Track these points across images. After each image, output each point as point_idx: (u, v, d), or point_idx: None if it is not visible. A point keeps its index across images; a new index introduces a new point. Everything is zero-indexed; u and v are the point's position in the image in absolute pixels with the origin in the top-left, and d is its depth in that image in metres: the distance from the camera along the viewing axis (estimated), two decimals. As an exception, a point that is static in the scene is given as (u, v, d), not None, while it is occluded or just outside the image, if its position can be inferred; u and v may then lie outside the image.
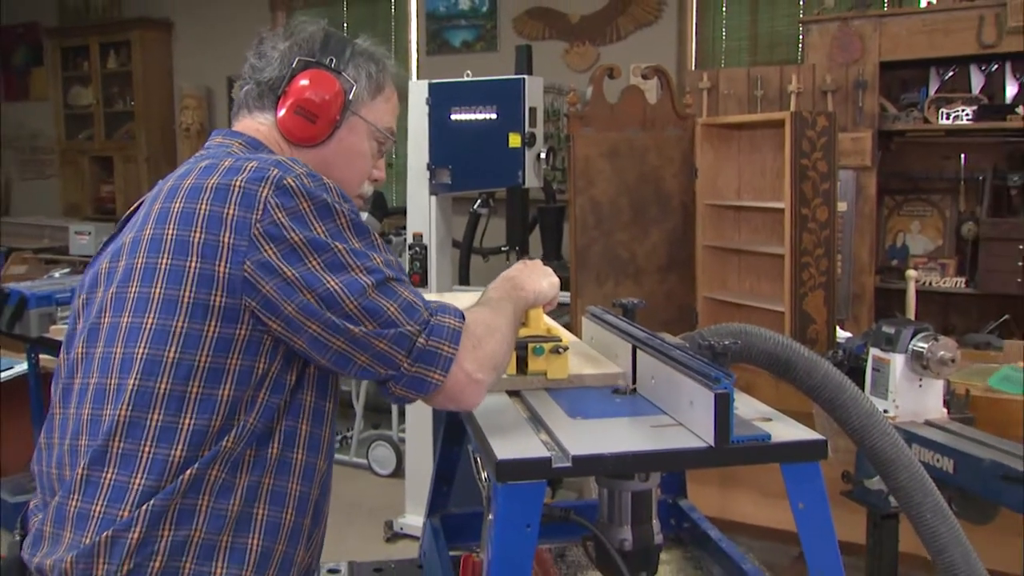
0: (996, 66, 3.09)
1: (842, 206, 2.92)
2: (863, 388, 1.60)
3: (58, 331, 2.33)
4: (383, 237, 3.40)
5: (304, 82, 1.02)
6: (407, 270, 2.77)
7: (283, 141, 1.04)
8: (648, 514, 1.02)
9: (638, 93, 2.50)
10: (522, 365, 1.09)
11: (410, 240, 2.76)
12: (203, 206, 0.91)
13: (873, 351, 1.63)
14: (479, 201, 3.37)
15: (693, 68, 3.87)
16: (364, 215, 3.45)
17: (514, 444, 0.88)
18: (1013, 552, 1.76)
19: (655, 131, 2.50)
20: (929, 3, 3.10)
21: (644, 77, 2.66)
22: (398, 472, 3.31)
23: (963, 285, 3.14)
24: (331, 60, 1.03)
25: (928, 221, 3.31)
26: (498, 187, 3.11)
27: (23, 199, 6.29)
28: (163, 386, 0.89)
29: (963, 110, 2.99)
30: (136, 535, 0.87)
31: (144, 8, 5.58)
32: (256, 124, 1.04)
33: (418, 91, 2.66)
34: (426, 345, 0.90)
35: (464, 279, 3.62)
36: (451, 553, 1.22)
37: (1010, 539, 1.71)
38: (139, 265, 0.93)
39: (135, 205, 1.03)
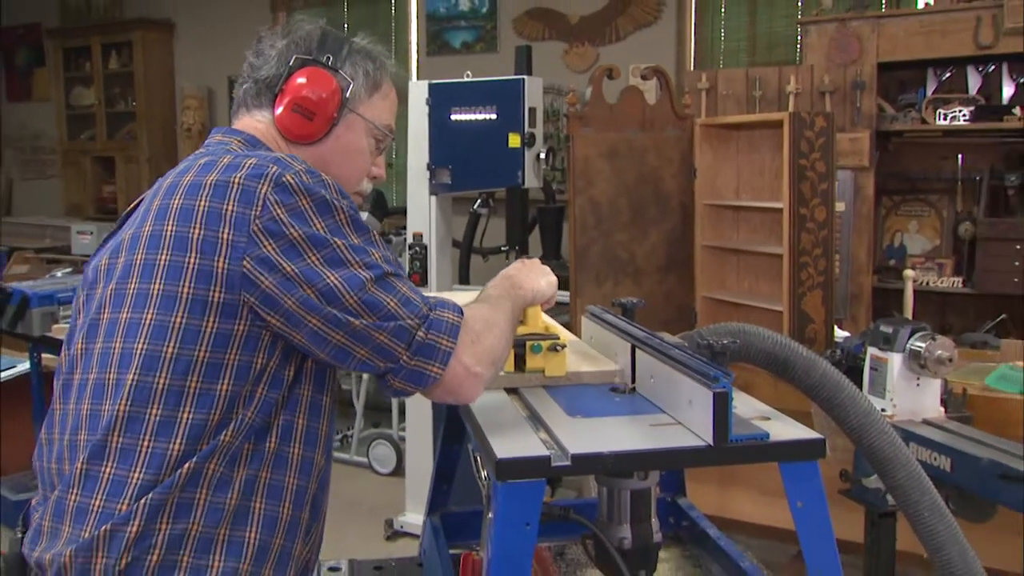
0: (993, 67, 3.10)
1: (840, 206, 2.93)
2: (861, 387, 1.60)
3: (60, 330, 2.34)
4: (383, 237, 3.40)
5: (301, 80, 1.02)
6: (407, 270, 2.78)
7: (281, 139, 1.04)
8: (647, 512, 1.02)
9: (637, 94, 2.51)
10: (520, 362, 1.10)
11: (410, 240, 2.77)
12: (202, 202, 0.91)
13: (871, 350, 1.64)
14: (479, 201, 3.38)
15: (692, 69, 3.87)
16: (364, 214, 3.46)
17: (514, 443, 0.89)
18: (1010, 550, 1.77)
19: (654, 131, 2.50)
20: (926, 4, 3.10)
21: (643, 78, 2.67)
22: (398, 471, 3.31)
23: (960, 285, 3.14)
24: (328, 58, 1.04)
25: (925, 221, 3.32)
26: (498, 187, 3.12)
27: (25, 199, 6.30)
28: (162, 381, 0.89)
29: (960, 111, 3.00)
30: (134, 528, 0.87)
31: (145, 8, 5.59)
32: (254, 122, 1.05)
33: (418, 91, 2.67)
34: (425, 338, 0.91)
35: (464, 279, 3.63)
36: (451, 551, 1.22)
37: (1007, 537, 1.72)
38: (138, 261, 0.93)
39: (135, 202, 1.03)
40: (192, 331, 0.89)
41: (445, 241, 2.82)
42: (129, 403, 0.89)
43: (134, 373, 0.90)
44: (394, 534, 2.85)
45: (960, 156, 3.22)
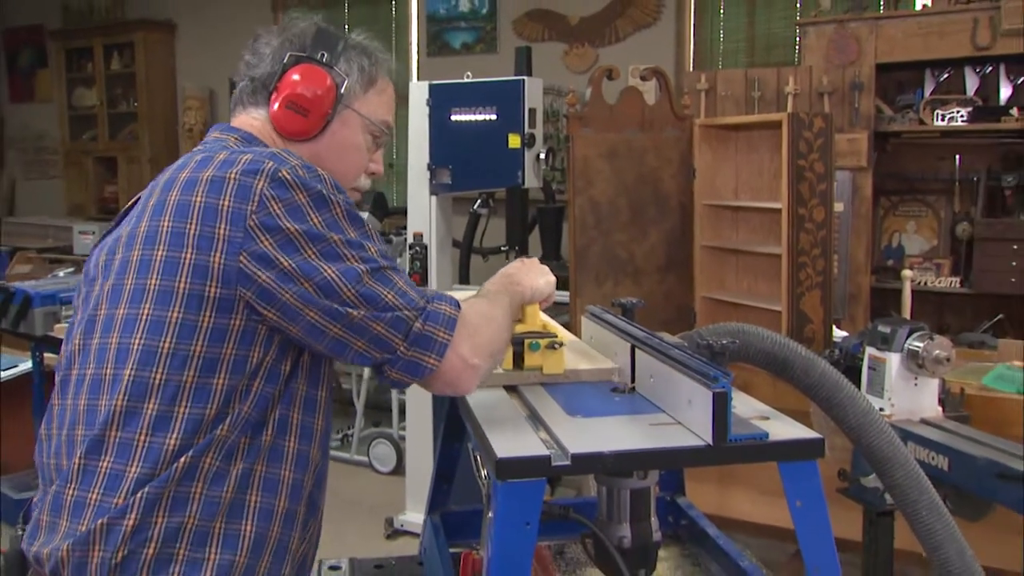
0: (990, 68, 3.11)
1: (838, 206, 2.93)
2: (859, 387, 1.61)
3: (62, 330, 2.34)
4: (384, 237, 3.41)
5: (295, 77, 1.02)
6: (408, 270, 2.79)
7: (277, 136, 1.04)
8: (647, 512, 1.02)
9: (637, 94, 2.51)
10: (518, 360, 1.10)
11: (410, 240, 2.78)
12: (198, 198, 0.91)
13: (869, 350, 1.65)
14: (479, 201, 3.38)
15: (691, 69, 3.88)
16: (365, 214, 3.46)
17: (514, 442, 0.89)
18: (1008, 549, 1.78)
19: (653, 132, 2.51)
20: (924, 6, 3.11)
21: (643, 78, 2.68)
22: (398, 470, 3.32)
23: (958, 285, 3.15)
24: (322, 55, 1.03)
25: (923, 221, 3.33)
26: (498, 187, 3.13)
27: (28, 199, 6.31)
28: (158, 376, 0.90)
29: (958, 111, 3.01)
30: (131, 522, 0.87)
31: (147, 10, 5.60)
32: (250, 120, 1.05)
33: (419, 92, 2.67)
34: (422, 330, 0.92)
35: (464, 279, 3.64)
36: (451, 550, 1.22)
37: (1005, 536, 1.72)
38: (135, 257, 0.93)
39: (133, 200, 1.03)
40: (188, 326, 0.90)
41: (445, 241, 2.83)
42: (126, 398, 0.90)
43: (131, 368, 0.90)
44: (394, 533, 2.86)
45: (958, 157, 3.23)
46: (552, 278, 1.16)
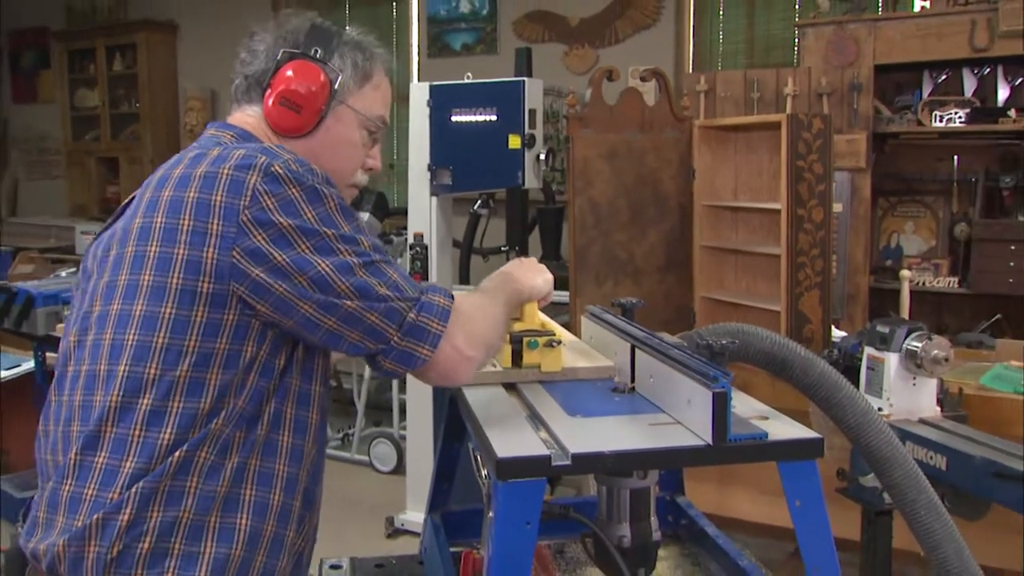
0: (988, 69, 3.11)
1: (837, 207, 2.94)
2: (858, 387, 1.62)
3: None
4: (384, 237, 3.41)
5: (289, 73, 1.02)
6: (408, 270, 2.79)
7: (271, 132, 1.04)
8: (646, 511, 1.02)
9: (636, 95, 2.52)
10: (517, 358, 1.11)
11: (411, 240, 2.78)
12: (191, 193, 0.92)
13: (868, 350, 1.65)
14: (479, 202, 3.39)
15: (690, 71, 3.88)
16: (366, 215, 3.47)
17: (514, 442, 0.89)
18: (1006, 548, 1.78)
19: (653, 133, 2.52)
20: (922, 7, 3.11)
21: (642, 79, 2.68)
22: (399, 469, 3.33)
23: (956, 285, 3.16)
24: (316, 51, 1.03)
25: (921, 222, 3.34)
26: (498, 188, 3.13)
27: (30, 199, 6.32)
28: (152, 371, 0.90)
29: (956, 113, 3.02)
30: (126, 517, 0.88)
31: (149, 11, 5.60)
32: (245, 117, 1.05)
33: (419, 93, 2.68)
34: (416, 320, 0.92)
35: (464, 279, 3.64)
36: (452, 549, 1.22)
37: (1003, 535, 1.73)
38: (129, 253, 0.94)
39: (130, 197, 1.04)
40: (182, 321, 0.90)
41: (446, 241, 2.83)
42: (121, 394, 0.90)
43: (125, 364, 0.91)
44: (395, 532, 2.86)
45: (956, 158, 3.24)
46: (550, 277, 1.16)
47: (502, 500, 0.85)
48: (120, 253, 0.95)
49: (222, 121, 1.07)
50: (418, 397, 2.82)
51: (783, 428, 0.93)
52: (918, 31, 2.97)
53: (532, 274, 1.14)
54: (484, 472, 1.03)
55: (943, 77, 3.18)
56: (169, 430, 0.89)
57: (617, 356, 1.16)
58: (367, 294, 0.91)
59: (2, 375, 2.65)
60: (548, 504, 1.00)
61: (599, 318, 1.26)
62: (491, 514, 0.89)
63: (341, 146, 1.06)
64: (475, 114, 2.57)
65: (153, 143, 5.52)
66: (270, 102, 1.02)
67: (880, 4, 3.28)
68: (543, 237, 3.75)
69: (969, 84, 3.13)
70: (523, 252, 3.51)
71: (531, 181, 2.58)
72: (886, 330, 1.61)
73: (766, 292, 2.49)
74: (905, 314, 2.07)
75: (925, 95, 3.16)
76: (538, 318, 1.16)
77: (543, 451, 0.87)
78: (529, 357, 1.11)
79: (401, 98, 3.03)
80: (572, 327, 2.13)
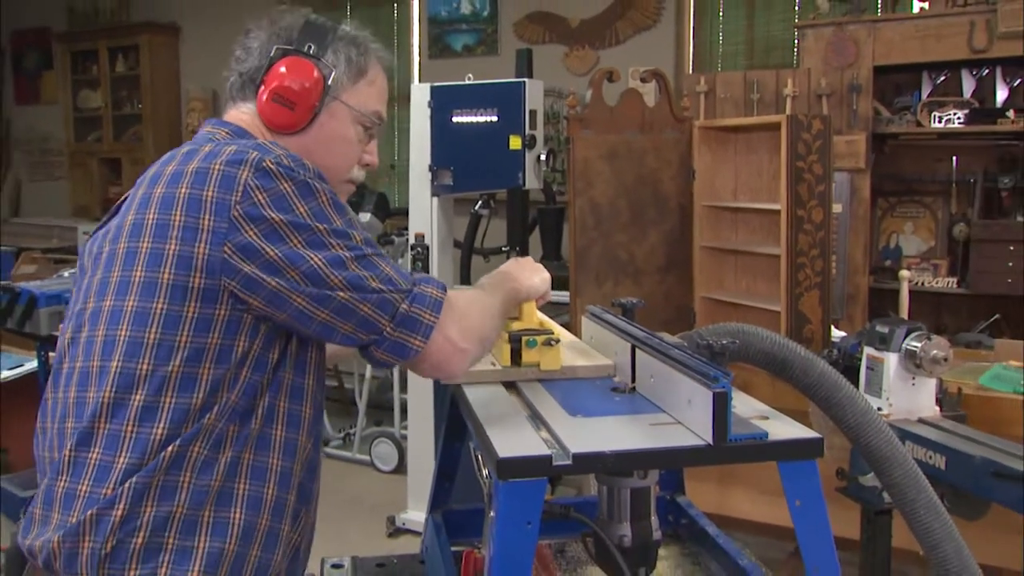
0: (987, 71, 3.11)
1: (837, 207, 2.94)
2: (858, 386, 1.62)
3: (65, 330, 2.34)
4: (385, 237, 3.42)
5: (282, 70, 1.02)
6: (409, 270, 2.80)
7: (265, 129, 1.04)
8: (647, 510, 1.03)
9: (637, 96, 2.53)
10: (516, 357, 1.11)
11: (412, 240, 2.79)
12: (183, 189, 0.92)
13: (867, 350, 1.66)
14: (480, 202, 3.39)
15: (690, 72, 3.88)
16: (367, 215, 3.48)
17: (515, 442, 0.89)
18: (1005, 548, 1.79)
19: (653, 133, 2.52)
20: (922, 9, 3.12)
21: (642, 80, 2.69)
22: (400, 468, 3.33)
23: (955, 285, 3.16)
24: (309, 47, 1.03)
25: (921, 222, 3.34)
26: (499, 188, 3.14)
27: (33, 200, 6.33)
28: (144, 367, 0.90)
29: (955, 114, 3.02)
30: (119, 512, 0.88)
31: (152, 12, 5.61)
32: (240, 114, 1.05)
33: (420, 94, 2.68)
34: (409, 311, 0.93)
35: (465, 279, 3.64)
36: (453, 548, 1.22)
37: (1002, 535, 1.74)
38: (121, 250, 0.94)
39: (125, 195, 1.04)
40: (173, 317, 0.90)
41: (447, 242, 2.84)
42: (113, 390, 0.90)
43: (117, 360, 0.91)
44: (396, 531, 2.87)
45: (955, 158, 3.24)
46: (547, 276, 1.16)
47: (503, 500, 0.85)
48: (113, 250, 0.95)
49: (218, 119, 1.07)
50: (419, 397, 2.83)
51: (783, 428, 0.93)
52: (917, 32, 2.98)
53: (530, 273, 1.15)
54: (485, 472, 1.03)
55: (942, 78, 3.18)
56: (162, 425, 0.90)
57: (618, 356, 1.16)
58: (359, 286, 0.91)
59: (5, 375, 2.66)
60: (549, 503, 1.00)
61: (600, 318, 1.27)
62: (492, 514, 0.89)
63: (335, 142, 1.05)
64: (476, 115, 2.58)
65: (155, 144, 5.53)
66: (263, 99, 1.02)
67: (879, 5, 3.28)
68: (543, 237, 3.75)
69: (968, 85, 3.13)
70: (524, 252, 3.51)
71: (532, 182, 2.59)
72: (885, 330, 1.61)
73: (766, 292, 2.49)
74: (904, 314, 2.08)
75: (924, 96, 3.17)
76: (536, 317, 1.16)
77: (544, 451, 0.87)
78: (528, 356, 1.11)
79: (402, 99, 3.03)
80: (573, 327, 2.13)
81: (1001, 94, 3.11)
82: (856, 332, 1.83)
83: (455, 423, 1.29)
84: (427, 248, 2.75)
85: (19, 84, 6.37)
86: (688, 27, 3.92)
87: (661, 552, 1.16)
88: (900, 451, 1.04)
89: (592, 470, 0.94)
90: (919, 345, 1.58)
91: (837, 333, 2.37)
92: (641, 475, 1.01)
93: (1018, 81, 3.10)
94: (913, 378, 1.62)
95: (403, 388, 3.41)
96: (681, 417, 0.95)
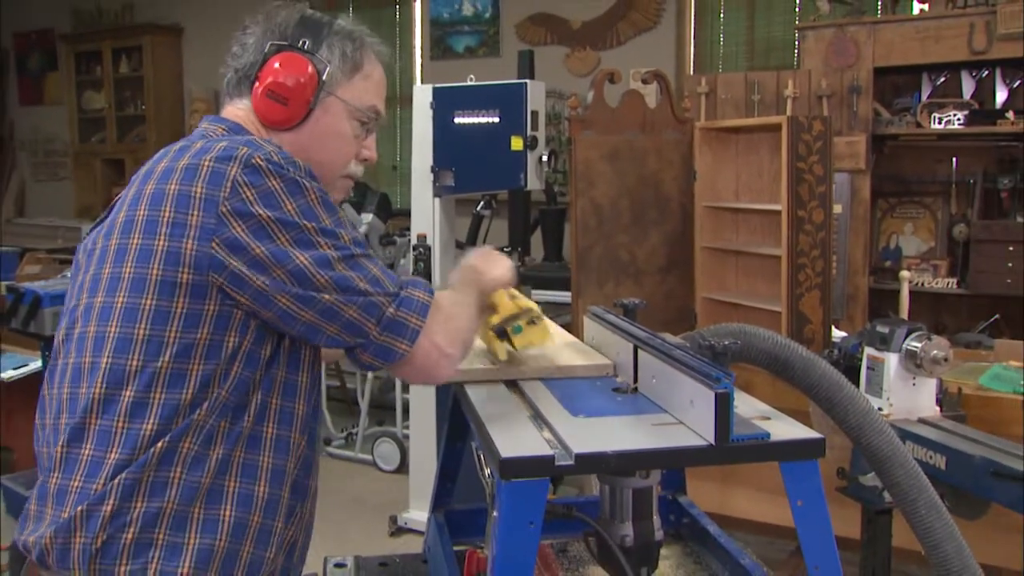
0: (987, 72, 3.12)
1: (837, 208, 2.95)
2: (858, 387, 1.63)
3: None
4: (388, 238, 3.42)
5: (276, 65, 1.01)
6: (411, 270, 2.81)
7: (261, 125, 1.03)
8: (649, 510, 1.03)
9: (638, 97, 2.53)
10: (510, 344, 1.11)
11: (414, 241, 2.79)
12: (173, 185, 0.92)
13: (868, 350, 1.66)
14: (482, 203, 3.40)
15: (691, 73, 3.90)
16: (369, 215, 3.47)
17: (517, 442, 0.89)
18: (1006, 547, 1.79)
19: (654, 134, 2.53)
20: (921, 10, 3.13)
21: (644, 82, 2.69)
22: (402, 468, 3.33)
23: (954, 286, 3.17)
24: (304, 42, 1.02)
25: (920, 223, 3.35)
26: (500, 189, 3.14)
27: (37, 201, 6.35)
28: (134, 362, 0.90)
29: (955, 115, 3.03)
30: (109, 507, 0.88)
31: (155, 14, 5.63)
32: (236, 110, 1.05)
33: (422, 95, 2.69)
34: (395, 315, 0.92)
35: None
36: (455, 548, 1.22)
37: (1002, 535, 1.74)
38: (113, 246, 0.94)
39: (120, 193, 1.04)
40: (162, 313, 0.90)
41: (449, 242, 2.84)
42: (104, 386, 0.91)
43: (108, 356, 0.91)
44: (398, 530, 2.87)
45: (954, 159, 3.25)
46: (510, 263, 1.14)
47: (506, 500, 0.85)
48: (105, 246, 0.96)
49: (215, 115, 1.07)
50: (421, 396, 2.83)
51: (785, 428, 0.93)
52: (917, 34, 2.99)
53: (494, 265, 1.12)
54: (487, 471, 1.03)
55: (942, 79, 3.19)
56: (152, 421, 0.90)
57: (620, 356, 1.16)
58: (345, 288, 0.91)
59: (10, 375, 2.66)
60: (551, 503, 1.00)
61: (602, 319, 1.27)
62: (495, 513, 0.89)
63: (331, 138, 1.04)
64: (478, 116, 2.59)
65: (159, 145, 5.46)
66: (258, 95, 1.02)
67: (879, 7, 3.29)
68: (545, 238, 3.76)
69: (967, 86, 3.14)
70: (526, 253, 3.52)
71: (533, 182, 2.59)
72: (886, 330, 1.62)
73: (767, 293, 2.50)
74: (904, 315, 2.08)
75: (924, 97, 3.18)
76: (510, 303, 1.14)
77: (547, 451, 0.87)
78: (519, 340, 1.11)
79: (404, 100, 3.03)
80: (574, 328, 2.14)
81: (1000, 95, 3.12)
82: (857, 332, 1.83)
83: (457, 423, 1.29)
84: (429, 249, 2.76)
85: (23, 85, 6.39)
86: (689, 28, 3.93)
87: (663, 552, 1.15)
88: (901, 451, 1.04)
89: (595, 470, 0.93)
90: (919, 345, 1.59)
91: (838, 333, 2.37)
92: (643, 475, 1.01)
93: (1017, 82, 3.10)
94: (913, 378, 1.62)
95: (405, 388, 3.41)
96: (683, 417, 0.95)
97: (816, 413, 1.33)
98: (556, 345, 1.23)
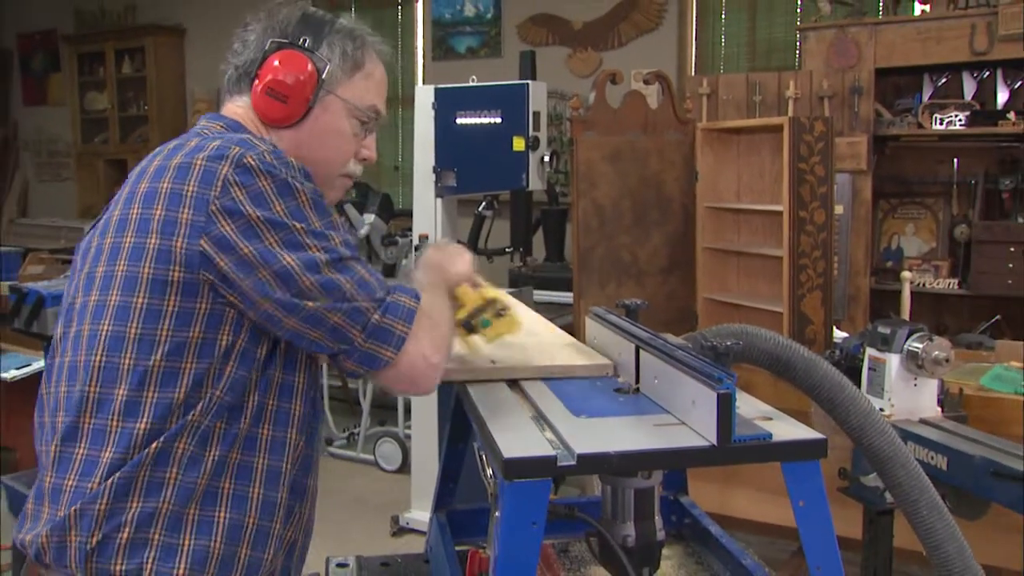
0: (988, 73, 3.12)
1: (838, 209, 2.95)
2: (860, 387, 1.63)
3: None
4: (390, 238, 3.42)
5: (275, 63, 1.00)
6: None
7: (260, 123, 1.03)
8: (650, 511, 1.02)
9: (640, 98, 2.54)
10: (477, 334, 1.10)
11: (416, 241, 2.80)
12: (165, 184, 0.92)
13: (869, 351, 1.66)
14: (484, 203, 3.40)
15: (693, 74, 3.89)
16: (371, 216, 3.47)
17: (520, 442, 0.88)
18: (1007, 548, 1.80)
19: (656, 135, 2.53)
20: (923, 11, 3.13)
21: (645, 82, 2.70)
22: (404, 468, 3.33)
23: (956, 286, 3.17)
24: (304, 40, 1.02)
25: (922, 224, 3.35)
26: (502, 190, 3.15)
27: (40, 201, 6.37)
28: (127, 361, 0.90)
29: (956, 116, 3.03)
30: (103, 507, 0.88)
31: (157, 15, 5.64)
32: (235, 108, 1.05)
33: (424, 96, 2.69)
34: (380, 322, 0.92)
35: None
36: (457, 548, 1.22)
37: (1003, 535, 1.74)
38: (107, 245, 0.95)
39: (118, 192, 1.04)
40: (154, 311, 0.90)
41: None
42: (98, 384, 0.91)
43: (100, 354, 0.91)
44: (400, 530, 2.87)
45: (956, 160, 3.25)
46: (470, 257, 1.14)
47: (508, 500, 0.85)
48: (100, 245, 0.96)
49: (214, 112, 1.07)
50: (423, 397, 2.84)
51: (787, 429, 0.93)
52: (918, 35, 2.99)
53: (455, 260, 1.12)
54: (490, 472, 1.03)
55: (943, 80, 3.19)
56: (145, 420, 0.89)
57: (622, 357, 1.16)
58: (332, 293, 0.90)
59: (12, 374, 2.67)
60: (552, 503, 1.00)
61: (603, 319, 1.27)
62: (497, 513, 0.89)
63: (329, 136, 1.04)
64: (480, 116, 2.59)
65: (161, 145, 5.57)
66: (258, 92, 1.01)
67: (881, 8, 3.29)
68: (547, 239, 3.76)
69: (969, 87, 3.14)
70: (527, 253, 3.52)
71: (535, 183, 2.59)
72: (887, 331, 1.62)
73: (768, 293, 2.50)
74: (906, 315, 2.09)
75: (925, 98, 3.18)
76: (473, 294, 1.13)
77: (549, 451, 0.87)
78: (490, 334, 1.10)
79: (406, 101, 3.03)
80: (576, 328, 2.14)
81: (1002, 96, 3.12)
82: (858, 333, 1.84)
83: (459, 423, 1.29)
84: (431, 249, 2.76)
85: (27, 85, 6.40)
86: (690, 29, 3.94)
87: (665, 552, 1.15)
88: (903, 451, 1.04)
89: (597, 471, 0.93)
90: (921, 346, 1.59)
91: (839, 334, 2.37)
92: (645, 475, 1.01)
93: (1019, 83, 3.11)
94: (915, 379, 1.62)
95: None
96: (685, 418, 0.95)
97: (817, 413, 1.34)
98: (526, 331, 1.21)
